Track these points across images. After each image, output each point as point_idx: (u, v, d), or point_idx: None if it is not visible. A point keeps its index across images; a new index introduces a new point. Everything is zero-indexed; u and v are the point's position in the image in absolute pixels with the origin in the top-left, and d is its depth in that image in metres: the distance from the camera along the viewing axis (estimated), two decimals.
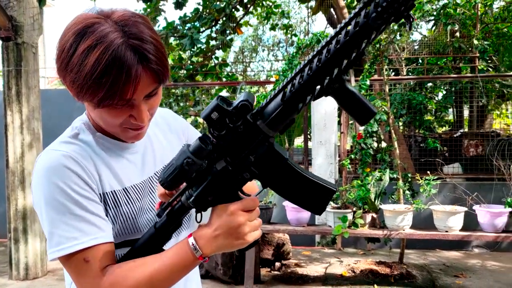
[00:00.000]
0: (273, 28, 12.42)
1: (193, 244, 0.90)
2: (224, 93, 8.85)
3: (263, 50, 17.47)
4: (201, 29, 8.89)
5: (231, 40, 9.73)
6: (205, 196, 0.92)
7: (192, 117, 13.81)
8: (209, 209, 0.96)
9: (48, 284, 4.43)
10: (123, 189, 1.03)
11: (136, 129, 0.98)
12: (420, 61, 7.98)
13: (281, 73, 4.15)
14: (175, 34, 8.77)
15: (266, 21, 11.64)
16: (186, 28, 8.87)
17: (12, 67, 4.42)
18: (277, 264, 4.77)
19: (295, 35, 12.91)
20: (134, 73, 0.87)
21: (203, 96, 11.50)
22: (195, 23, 8.96)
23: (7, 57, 4.44)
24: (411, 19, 0.73)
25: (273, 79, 6.85)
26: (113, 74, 0.86)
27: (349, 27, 0.75)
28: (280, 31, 13.59)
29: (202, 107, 11.87)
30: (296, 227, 4.22)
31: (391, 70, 7.37)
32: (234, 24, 9.58)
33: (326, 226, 4.25)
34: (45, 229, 0.95)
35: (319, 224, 4.55)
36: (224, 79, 10.48)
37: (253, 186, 0.98)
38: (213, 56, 10.09)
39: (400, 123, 6.49)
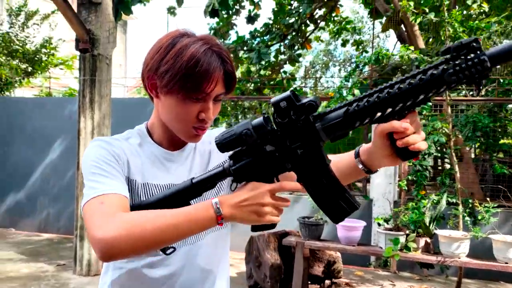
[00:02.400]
0: (344, 44, 12.36)
1: (216, 204, 0.97)
2: None
3: (334, 66, 17.39)
4: (270, 44, 9.06)
5: (299, 55, 9.80)
6: (246, 170, 1.03)
7: None
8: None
9: None
10: (145, 183, 1.15)
11: (199, 128, 1.13)
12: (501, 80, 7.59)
13: (337, 90, 4.15)
14: (245, 48, 9.00)
15: (337, 36, 11.62)
16: (255, 42, 9.08)
17: (87, 76, 4.78)
18: (327, 282, 4.73)
19: (366, 51, 12.77)
20: (217, 71, 1.06)
21: (272, 109, 11.59)
22: (264, 38, 9.15)
23: (83, 67, 4.81)
24: (481, 85, 0.83)
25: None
26: (203, 68, 1.04)
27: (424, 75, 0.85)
28: (352, 47, 13.49)
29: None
30: (346, 246, 4.17)
31: (468, 90, 7.08)
32: (303, 39, 9.67)
33: (377, 247, 4.16)
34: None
35: (370, 244, 4.45)
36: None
37: (294, 184, 1.02)
38: (281, 70, 10.23)
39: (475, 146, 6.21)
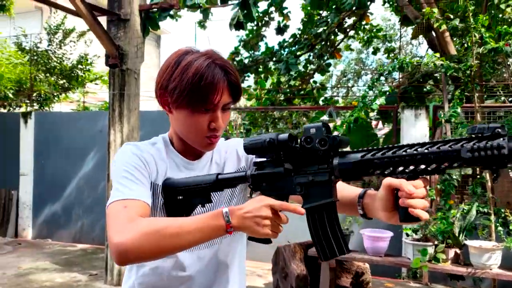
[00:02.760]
0: (375, 52, 12.23)
1: (226, 213, 1.03)
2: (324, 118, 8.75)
3: (366, 74, 17.23)
4: (298, 54, 9.08)
5: (329, 64, 9.77)
6: (262, 179, 1.11)
7: None
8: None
9: None
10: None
11: (211, 137, 1.20)
12: None
13: (360, 99, 4.12)
14: (273, 59, 9.04)
15: (367, 45, 11.52)
16: (284, 53, 9.12)
17: (116, 91, 4.93)
18: None
19: (398, 59, 12.53)
20: (221, 83, 1.15)
21: (303, 118, 11.61)
22: (293, 48, 9.18)
23: (113, 82, 4.96)
24: (497, 175, 0.84)
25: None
26: (208, 81, 1.13)
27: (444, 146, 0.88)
28: (384, 54, 13.34)
29: (301, 130, 11.97)
30: (372, 257, 4.11)
31: (507, 96, 6.87)
32: (332, 49, 9.64)
33: (405, 258, 4.08)
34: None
35: (400, 255, 4.35)
36: (321, 103, 10.52)
37: (296, 208, 1.07)
38: (311, 80, 10.21)
39: None
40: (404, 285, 5.23)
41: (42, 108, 9.40)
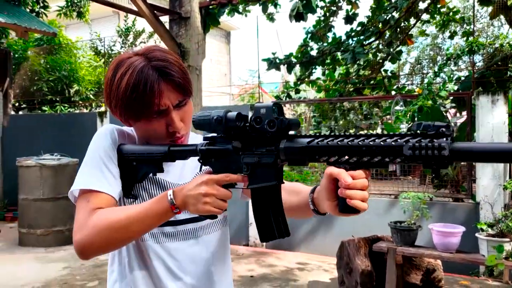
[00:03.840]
0: (452, 36, 11.52)
1: (170, 196, 1.04)
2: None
3: (443, 60, 16.30)
4: (366, 42, 8.77)
5: (400, 52, 9.35)
6: (210, 154, 1.10)
7: (365, 131, 13.57)
8: None
9: None
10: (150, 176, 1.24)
11: (177, 138, 1.19)
12: None
13: (425, 86, 3.88)
14: (340, 49, 8.81)
15: (443, 29, 10.87)
16: (351, 43, 8.85)
17: None
18: None
19: (477, 42, 11.67)
20: (156, 86, 1.12)
21: (375, 109, 11.25)
22: (360, 37, 8.88)
23: None
24: (437, 175, 0.85)
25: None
26: (140, 89, 1.11)
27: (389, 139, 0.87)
28: (462, 38, 12.44)
29: (374, 121, 11.63)
30: (442, 253, 3.88)
31: None
32: (404, 35, 9.21)
33: (479, 255, 3.81)
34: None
35: (475, 252, 4.06)
36: (393, 92, 10.12)
37: (239, 177, 1.07)
38: (382, 69, 9.83)
39: None
40: (482, 283, 4.89)
41: None
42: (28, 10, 8.94)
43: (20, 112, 10.87)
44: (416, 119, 3.93)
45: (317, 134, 0.97)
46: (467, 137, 5.54)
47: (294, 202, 1.18)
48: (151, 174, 1.21)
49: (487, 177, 5.16)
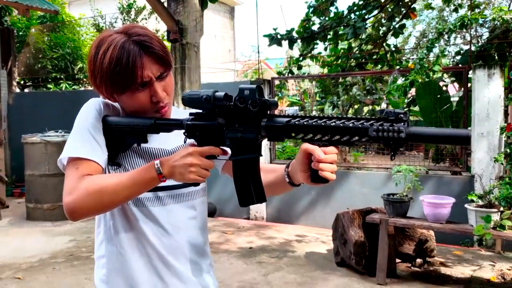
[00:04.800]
0: (456, 9, 11.38)
1: (157, 165, 1.14)
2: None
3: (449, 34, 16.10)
4: (367, 17, 8.73)
5: (402, 26, 9.29)
6: (196, 129, 1.20)
7: (369, 107, 13.53)
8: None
9: None
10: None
11: (159, 108, 1.27)
12: None
13: (418, 61, 3.92)
14: (342, 24, 8.78)
15: (448, 2, 10.73)
16: (353, 17, 8.80)
17: (177, 65, 5.12)
18: (418, 260, 4.56)
19: (482, 15, 11.48)
20: (139, 59, 1.20)
21: (379, 84, 11.19)
22: (362, 12, 8.83)
23: (174, 56, 5.15)
24: (394, 153, 0.99)
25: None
26: (123, 63, 1.20)
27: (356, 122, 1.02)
28: (468, 11, 12.18)
29: (378, 96, 11.57)
30: (432, 224, 4.00)
31: None
32: (406, 9, 9.13)
33: (468, 225, 3.92)
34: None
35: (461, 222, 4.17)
36: (397, 67, 10.09)
37: (221, 151, 1.19)
38: (384, 44, 9.79)
39: None
40: (474, 253, 5.02)
41: None
42: None
43: (26, 90, 10.99)
44: (406, 93, 3.97)
45: (295, 115, 1.10)
46: (463, 111, 5.60)
47: (271, 179, 1.31)
48: (135, 144, 1.31)
49: (482, 150, 5.23)
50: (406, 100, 9.86)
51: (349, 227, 4.41)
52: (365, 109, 12.85)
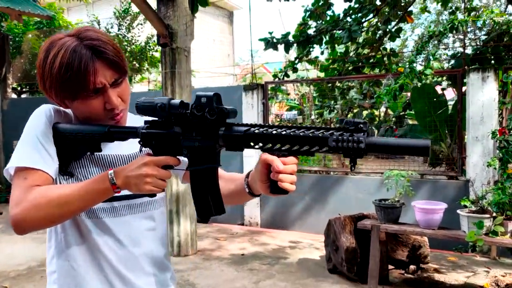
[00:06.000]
0: (453, 12, 11.33)
1: (111, 175, 1.09)
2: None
3: (447, 37, 16.05)
4: (363, 20, 8.68)
5: (399, 29, 9.23)
6: (151, 138, 1.14)
7: (368, 111, 13.45)
8: None
9: (195, 262, 4.99)
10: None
11: (114, 116, 1.22)
12: None
13: (407, 64, 3.87)
14: (337, 27, 8.73)
15: (445, 5, 10.69)
16: (349, 21, 8.75)
17: (168, 69, 5.07)
18: (412, 267, 4.48)
19: (474, 18, 11.40)
20: (91, 64, 1.14)
21: (376, 88, 11.11)
22: (358, 15, 8.79)
23: (164, 61, 5.10)
24: (354, 164, 0.97)
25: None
26: (75, 68, 1.13)
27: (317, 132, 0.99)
28: (463, 14, 12.12)
29: (378, 100, 11.50)
30: (424, 230, 3.93)
31: None
32: (403, 12, 9.08)
33: (460, 231, 3.85)
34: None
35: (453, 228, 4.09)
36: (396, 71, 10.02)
37: (177, 161, 1.14)
38: (381, 47, 9.73)
39: None
40: (469, 259, 4.94)
41: None
42: None
43: (23, 96, 10.97)
44: (396, 97, 3.91)
45: (254, 124, 1.06)
46: (457, 114, 5.53)
47: (231, 188, 1.27)
48: (88, 153, 1.26)
49: (476, 154, 5.17)
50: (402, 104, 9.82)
51: (341, 233, 4.34)
52: (364, 113, 12.81)
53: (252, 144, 1.04)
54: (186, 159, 1.14)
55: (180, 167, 1.16)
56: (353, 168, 0.99)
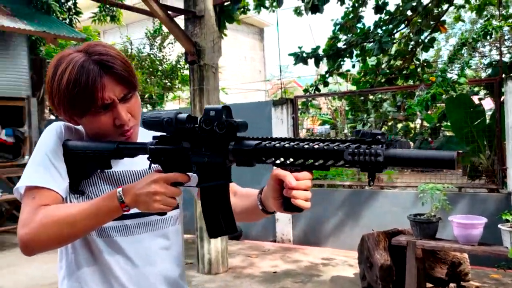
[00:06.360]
0: (488, 20, 11.03)
1: (119, 193, 1.05)
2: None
3: (484, 46, 15.61)
4: (394, 32, 8.53)
5: (432, 39, 9.02)
6: (160, 154, 1.10)
7: (403, 123, 13.15)
8: None
9: (226, 280, 4.92)
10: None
11: (124, 132, 1.20)
12: None
13: (439, 73, 3.72)
14: (367, 40, 8.61)
15: (480, 13, 10.41)
16: (380, 33, 8.62)
17: (196, 86, 5.08)
18: (452, 285, 4.26)
19: (508, 23, 11.02)
20: (99, 80, 1.11)
21: (410, 100, 10.88)
22: (388, 27, 8.64)
23: (192, 78, 5.12)
24: (372, 179, 0.89)
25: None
26: (82, 84, 1.10)
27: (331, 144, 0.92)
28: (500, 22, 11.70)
29: (413, 112, 11.24)
30: (463, 246, 3.73)
31: None
32: (436, 22, 8.88)
33: (502, 247, 3.64)
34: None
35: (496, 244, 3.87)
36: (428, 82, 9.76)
37: (188, 178, 1.10)
38: (414, 58, 9.53)
39: None
40: None
41: (154, 108, 10.10)
42: (61, 18, 9.25)
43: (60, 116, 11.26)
44: (428, 108, 3.76)
45: (265, 137, 1.01)
46: (496, 124, 5.30)
47: (245, 205, 1.22)
48: (99, 171, 1.22)
49: None
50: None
51: (375, 250, 4.18)
52: (399, 125, 12.53)
53: (263, 159, 0.99)
54: (196, 175, 1.09)
55: (191, 183, 1.11)
56: (371, 183, 0.90)
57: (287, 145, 0.96)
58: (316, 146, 0.92)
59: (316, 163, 0.93)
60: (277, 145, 0.97)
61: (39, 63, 8.91)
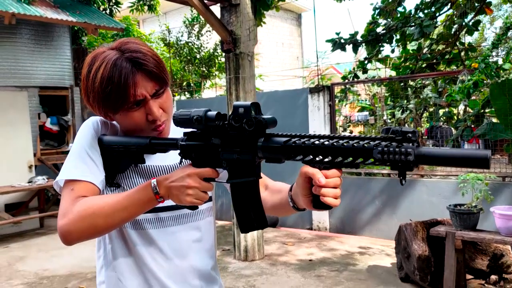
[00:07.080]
0: None
1: (154, 184, 1.08)
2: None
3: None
4: (437, 15, 8.24)
5: (477, 22, 8.66)
6: (191, 150, 1.13)
7: (446, 109, 12.80)
8: None
9: (262, 267, 4.97)
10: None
11: (156, 127, 1.22)
12: None
13: (481, 60, 3.57)
14: (407, 25, 8.36)
15: None
16: (421, 16, 8.35)
17: (232, 75, 5.10)
18: (493, 277, 4.16)
19: None
20: (131, 77, 1.14)
21: (454, 85, 10.56)
22: (431, 10, 8.36)
23: (228, 67, 5.14)
24: (403, 177, 0.88)
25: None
26: (115, 81, 1.14)
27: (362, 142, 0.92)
28: None
29: (445, 99, 10.94)
30: (505, 237, 3.62)
31: None
32: (481, 4, 8.53)
33: None
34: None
35: None
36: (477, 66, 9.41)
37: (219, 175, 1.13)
38: (457, 42, 9.20)
39: None
40: None
41: (192, 95, 10.22)
42: (101, 9, 9.46)
43: None
44: (470, 95, 3.63)
45: (295, 134, 1.01)
46: None
47: (276, 201, 1.23)
48: (133, 165, 1.25)
49: None
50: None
51: (412, 240, 4.11)
52: (441, 111, 12.18)
53: (292, 156, 0.99)
54: (225, 171, 1.11)
55: (221, 178, 1.13)
56: (403, 182, 0.89)
57: (316, 142, 0.96)
58: (346, 144, 0.92)
59: (345, 161, 0.93)
60: (306, 142, 0.97)
61: (81, 53, 9.16)
